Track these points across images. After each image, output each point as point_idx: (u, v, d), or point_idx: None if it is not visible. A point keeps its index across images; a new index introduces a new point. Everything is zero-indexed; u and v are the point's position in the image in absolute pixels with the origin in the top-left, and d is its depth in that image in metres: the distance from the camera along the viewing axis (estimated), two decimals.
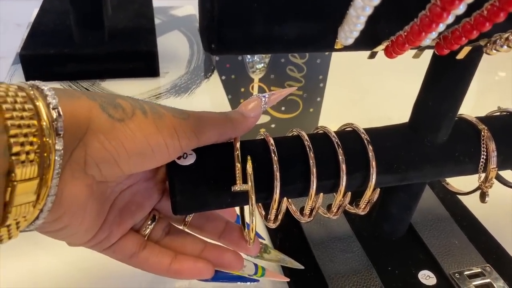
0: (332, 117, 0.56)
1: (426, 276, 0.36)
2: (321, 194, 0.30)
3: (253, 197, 0.27)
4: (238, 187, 0.28)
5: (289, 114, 0.52)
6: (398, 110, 0.36)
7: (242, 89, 0.50)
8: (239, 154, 0.28)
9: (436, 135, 0.31)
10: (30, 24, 0.46)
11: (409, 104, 0.33)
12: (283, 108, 0.52)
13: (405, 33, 0.21)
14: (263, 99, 0.29)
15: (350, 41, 0.21)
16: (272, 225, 0.31)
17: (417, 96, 0.32)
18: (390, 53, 0.23)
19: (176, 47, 0.50)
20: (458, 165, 0.32)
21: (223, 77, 0.47)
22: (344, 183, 0.29)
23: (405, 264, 0.37)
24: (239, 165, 0.27)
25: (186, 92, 0.43)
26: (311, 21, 0.21)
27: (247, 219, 0.30)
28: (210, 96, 0.45)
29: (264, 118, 0.52)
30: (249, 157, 0.28)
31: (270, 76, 0.49)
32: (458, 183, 0.38)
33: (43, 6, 0.44)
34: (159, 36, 0.49)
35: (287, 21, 0.21)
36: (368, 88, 0.63)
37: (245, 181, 0.27)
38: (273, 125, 0.53)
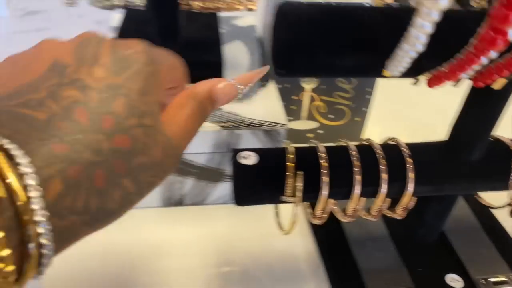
0: (377, 126, 0.60)
1: (454, 280, 0.39)
2: (363, 198, 0.34)
3: (296, 208, 0.32)
4: (287, 198, 0.33)
5: (336, 122, 0.57)
6: (441, 125, 0.39)
7: (294, 97, 0.54)
8: (291, 166, 0.33)
9: (471, 154, 0.35)
10: (112, 27, 0.53)
11: (452, 119, 0.37)
12: (331, 116, 0.56)
13: (444, 70, 0.25)
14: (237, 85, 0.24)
15: (397, 73, 0.25)
16: (318, 222, 0.35)
17: (456, 117, 0.36)
18: (431, 84, 0.27)
19: (238, 56, 0.55)
20: (489, 182, 0.36)
21: (279, 86, 0.52)
22: (384, 190, 0.33)
23: (434, 266, 0.41)
24: (290, 181, 0.32)
25: (245, 99, 0.48)
26: (364, 55, 0.26)
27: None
28: (265, 102, 0.50)
29: (313, 124, 0.57)
30: (300, 173, 0.32)
31: (321, 86, 0.54)
32: (490, 196, 0.41)
33: (128, 15, 0.51)
34: (223, 45, 0.54)
35: (345, 54, 0.26)
36: (414, 101, 0.67)
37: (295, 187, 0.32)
38: (321, 131, 0.57)
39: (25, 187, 0.14)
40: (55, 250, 0.16)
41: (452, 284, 0.39)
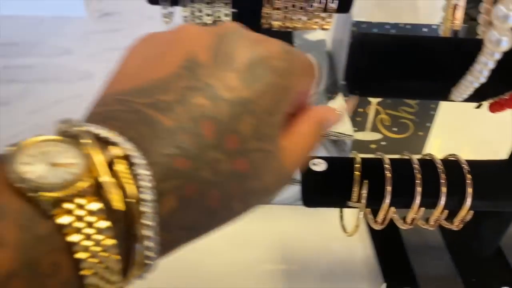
0: (439, 141, 0.62)
1: None
2: (422, 208, 0.37)
3: (361, 213, 0.36)
4: (352, 204, 0.37)
5: (400, 135, 0.59)
6: (504, 144, 0.41)
7: (360, 109, 0.58)
8: (358, 175, 0.36)
9: None
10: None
11: None
12: (395, 129, 0.59)
13: (506, 98, 0.28)
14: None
15: (461, 99, 0.28)
16: (378, 228, 0.39)
17: None
18: (492, 109, 0.30)
19: None
20: None
21: (346, 98, 0.56)
22: (442, 203, 0.36)
23: (488, 279, 0.43)
24: (356, 188, 0.36)
25: None
26: (431, 82, 0.29)
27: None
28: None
29: (377, 136, 0.60)
30: (366, 182, 0.36)
31: (386, 100, 0.57)
32: None
33: None
34: None
35: (414, 80, 0.29)
36: (478, 119, 0.68)
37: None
38: (384, 143, 0.60)
39: (140, 200, 0.14)
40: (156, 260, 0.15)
41: None
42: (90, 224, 0.13)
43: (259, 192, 0.18)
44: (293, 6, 0.46)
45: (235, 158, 0.16)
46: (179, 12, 0.49)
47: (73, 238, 0.13)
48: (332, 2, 0.46)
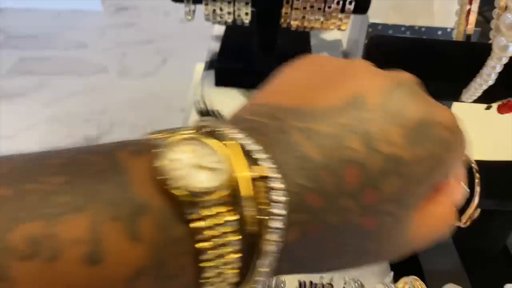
0: None
1: None
2: None
3: None
4: None
5: None
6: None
7: None
8: None
9: None
10: (214, 36, 0.61)
11: None
12: None
13: None
14: None
15: (470, 100, 0.30)
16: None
17: None
18: (501, 111, 0.31)
19: None
20: None
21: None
22: None
23: (494, 275, 0.44)
24: None
25: None
26: (442, 83, 0.31)
27: None
28: None
29: None
30: None
31: None
32: None
33: (230, 27, 0.58)
34: None
35: (427, 81, 0.31)
36: (489, 118, 0.69)
37: None
38: None
39: (269, 227, 0.14)
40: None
41: None
42: (221, 235, 0.13)
43: (370, 254, 0.17)
44: (312, 7, 0.47)
45: (367, 215, 0.15)
46: (200, 10, 0.51)
47: (204, 245, 0.13)
48: (350, 4, 0.47)
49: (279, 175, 0.14)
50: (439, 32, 0.52)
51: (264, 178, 0.14)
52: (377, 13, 0.56)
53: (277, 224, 0.14)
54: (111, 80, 2.18)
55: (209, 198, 0.13)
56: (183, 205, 0.13)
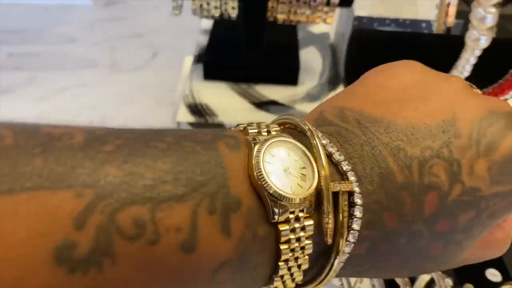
0: None
1: (493, 274, 0.44)
2: None
3: None
4: None
5: None
6: None
7: None
8: None
9: None
10: (202, 30, 0.61)
11: None
12: None
13: (489, 91, 0.30)
14: None
15: None
16: None
17: None
18: None
19: (311, 61, 0.62)
20: None
21: None
22: None
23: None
24: None
25: (316, 100, 0.55)
26: None
27: None
28: None
29: None
30: None
31: None
32: None
33: (218, 21, 0.59)
34: (300, 50, 0.61)
35: None
36: None
37: None
38: None
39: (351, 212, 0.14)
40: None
41: (491, 278, 0.44)
42: (300, 238, 0.14)
43: (426, 271, 0.18)
44: (297, 0, 0.48)
45: (436, 241, 0.15)
46: (188, 4, 0.51)
47: (284, 247, 0.14)
48: None
49: (360, 193, 0.14)
50: (423, 25, 0.53)
51: (347, 191, 0.14)
52: (363, 6, 0.57)
53: (350, 238, 0.14)
54: (101, 75, 2.17)
55: (295, 203, 0.14)
56: (272, 207, 0.14)
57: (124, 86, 2.08)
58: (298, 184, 0.14)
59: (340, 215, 0.14)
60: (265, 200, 0.14)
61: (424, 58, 0.34)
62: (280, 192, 0.14)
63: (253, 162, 0.14)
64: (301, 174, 0.14)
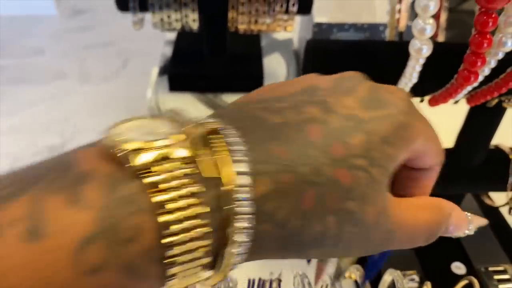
0: None
1: (458, 267, 0.46)
2: None
3: None
4: None
5: None
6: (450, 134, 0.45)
7: None
8: None
9: (472, 160, 0.41)
10: (166, 41, 0.61)
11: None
12: None
13: (443, 91, 0.32)
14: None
15: None
16: None
17: (459, 128, 0.42)
18: (430, 104, 0.34)
19: (276, 67, 0.63)
20: (489, 184, 0.42)
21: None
22: None
23: (441, 255, 0.47)
24: None
25: None
26: (377, 81, 0.33)
27: None
28: None
29: None
30: None
31: None
32: (501, 196, 0.47)
33: (181, 32, 0.59)
34: (264, 57, 0.62)
35: None
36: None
37: None
38: None
39: (235, 174, 0.13)
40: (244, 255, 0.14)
41: (456, 271, 0.46)
42: (179, 187, 0.13)
43: (357, 223, 0.16)
44: (257, 10, 0.49)
45: (338, 166, 0.15)
46: (148, 18, 0.51)
47: (159, 198, 0.12)
48: (293, 6, 0.49)
49: (232, 128, 0.14)
50: (381, 28, 0.55)
51: (217, 133, 0.14)
52: (322, 12, 0.58)
53: (240, 169, 0.14)
54: (71, 86, 2.14)
55: (158, 145, 0.13)
56: (131, 161, 0.12)
57: (95, 97, 2.06)
58: (160, 134, 0.13)
59: (218, 152, 0.14)
60: (123, 162, 0.13)
61: (377, 66, 0.35)
62: (135, 144, 0.13)
63: (103, 140, 0.13)
64: (163, 132, 0.14)
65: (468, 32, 0.25)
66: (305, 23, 0.64)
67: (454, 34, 0.53)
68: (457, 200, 0.46)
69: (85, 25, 2.52)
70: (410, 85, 0.29)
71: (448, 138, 0.44)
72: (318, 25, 0.54)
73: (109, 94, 2.18)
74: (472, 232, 0.21)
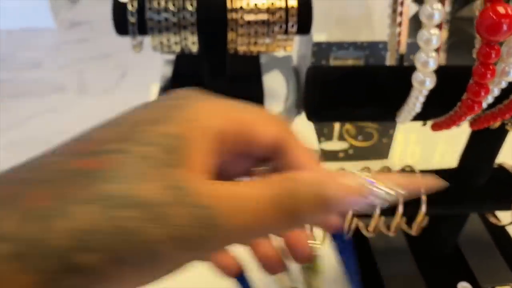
0: (402, 147, 0.66)
1: (464, 287, 0.45)
2: (382, 217, 0.41)
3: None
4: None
5: (365, 143, 0.63)
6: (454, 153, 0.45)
7: (325, 130, 0.61)
8: None
9: (477, 179, 0.41)
10: (166, 61, 0.61)
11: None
12: (360, 138, 0.62)
13: (446, 118, 0.31)
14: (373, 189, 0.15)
15: (405, 123, 0.32)
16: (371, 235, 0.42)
17: (463, 148, 0.42)
18: (433, 129, 0.33)
19: (276, 86, 0.62)
20: (493, 203, 0.42)
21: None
22: (400, 210, 0.40)
23: (447, 274, 0.47)
24: None
25: None
26: (379, 107, 0.33)
27: None
28: (300, 130, 0.56)
29: (344, 145, 0.63)
30: None
31: None
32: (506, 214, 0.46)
33: (180, 54, 0.59)
34: (263, 75, 0.61)
35: (364, 107, 0.33)
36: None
37: None
38: (351, 151, 0.64)
39: None
40: None
41: None
42: None
43: (122, 202, 0.13)
44: (256, 32, 0.49)
45: (80, 159, 0.14)
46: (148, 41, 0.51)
47: None
48: (292, 27, 0.49)
49: None
50: (380, 46, 0.54)
51: None
52: (321, 30, 0.58)
53: None
54: (70, 99, 2.14)
55: None
56: None
57: (94, 110, 2.06)
58: None
59: None
60: None
61: (377, 90, 0.35)
62: None
63: None
64: None
65: (469, 41, 0.25)
66: (304, 40, 0.64)
67: (455, 42, 0.52)
68: (462, 219, 0.46)
69: (83, 37, 2.53)
70: (413, 113, 0.29)
71: (451, 158, 0.44)
72: (318, 44, 0.54)
73: (107, 106, 2.17)
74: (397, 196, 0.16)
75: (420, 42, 0.22)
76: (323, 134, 0.62)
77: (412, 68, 0.34)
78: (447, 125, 0.31)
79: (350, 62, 0.55)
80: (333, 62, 0.55)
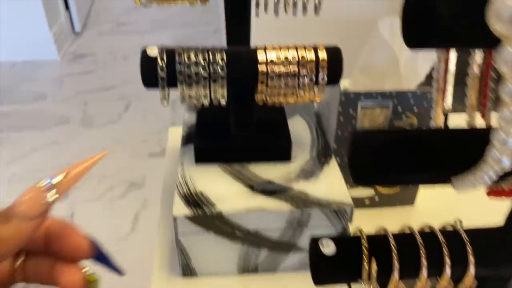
0: (429, 191, 0.65)
1: None
2: (428, 279, 0.39)
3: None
4: (364, 282, 0.38)
5: (391, 190, 0.62)
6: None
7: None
8: (366, 255, 0.38)
9: None
10: (187, 107, 0.60)
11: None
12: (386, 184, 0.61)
13: (504, 188, 0.30)
14: (48, 191, 0.22)
15: (466, 190, 0.30)
16: None
17: (509, 208, 0.40)
18: (489, 195, 0.32)
19: (300, 132, 0.61)
20: None
21: (339, 162, 0.58)
22: (448, 273, 0.38)
23: None
24: (366, 267, 0.37)
25: (311, 176, 0.54)
26: (430, 172, 0.31)
27: None
28: (330, 180, 0.55)
29: (370, 192, 0.62)
30: (374, 260, 0.37)
31: None
32: None
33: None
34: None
35: (413, 172, 0.32)
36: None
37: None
38: (377, 198, 0.62)
39: None
40: None
41: None
42: None
43: None
44: (286, 84, 0.48)
45: None
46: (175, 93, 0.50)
47: None
48: (323, 79, 0.48)
49: None
50: (409, 94, 0.54)
51: None
52: (346, 74, 0.57)
53: None
54: (74, 131, 2.13)
55: None
56: None
57: (99, 141, 2.05)
58: None
59: None
60: None
61: (428, 155, 0.34)
62: None
63: None
64: None
65: None
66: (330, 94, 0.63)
67: None
68: (506, 280, 0.44)
69: (86, 69, 2.55)
70: (478, 186, 0.28)
71: (497, 217, 0.42)
72: (345, 94, 0.53)
73: (112, 137, 2.17)
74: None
75: (502, 121, 0.21)
76: (349, 182, 0.60)
77: (465, 132, 0.33)
78: (505, 194, 0.30)
79: (377, 111, 0.54)
80: (361, 111, 0.54)
